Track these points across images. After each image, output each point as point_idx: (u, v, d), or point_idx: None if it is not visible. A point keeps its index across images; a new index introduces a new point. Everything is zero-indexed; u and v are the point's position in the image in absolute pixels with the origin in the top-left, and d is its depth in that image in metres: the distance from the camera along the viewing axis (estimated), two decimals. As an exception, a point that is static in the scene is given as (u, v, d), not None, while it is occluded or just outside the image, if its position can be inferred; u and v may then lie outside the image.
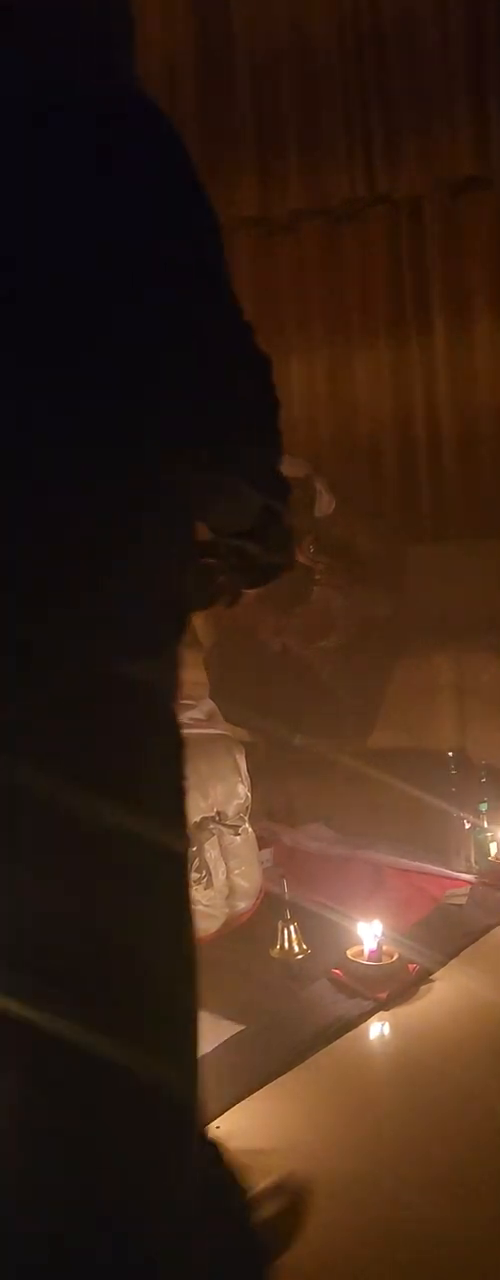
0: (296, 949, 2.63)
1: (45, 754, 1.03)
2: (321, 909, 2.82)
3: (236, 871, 2.78)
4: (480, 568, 3.99)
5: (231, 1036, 2.30)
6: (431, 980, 2.48)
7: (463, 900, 2.82)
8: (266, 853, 3.12)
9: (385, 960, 2.49)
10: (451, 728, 3.75)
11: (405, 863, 3.07)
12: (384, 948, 2.51)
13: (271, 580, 1.32)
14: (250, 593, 1.33)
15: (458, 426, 4.68)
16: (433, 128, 4.47)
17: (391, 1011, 2.38)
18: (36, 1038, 1.04)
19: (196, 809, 2.74)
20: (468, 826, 2.98)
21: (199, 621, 4.49)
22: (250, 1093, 2.12)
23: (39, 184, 1.03)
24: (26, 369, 1.02)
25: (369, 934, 2.51)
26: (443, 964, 2.53)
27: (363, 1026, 2.33)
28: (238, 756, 2.90)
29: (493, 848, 2.95)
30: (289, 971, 2.58)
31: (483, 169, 4.45)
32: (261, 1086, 2.14)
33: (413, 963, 2.49)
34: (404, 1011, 2.38)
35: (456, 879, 2.94)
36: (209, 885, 2.71)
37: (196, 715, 2.91)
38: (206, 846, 2.72)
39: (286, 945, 2.64)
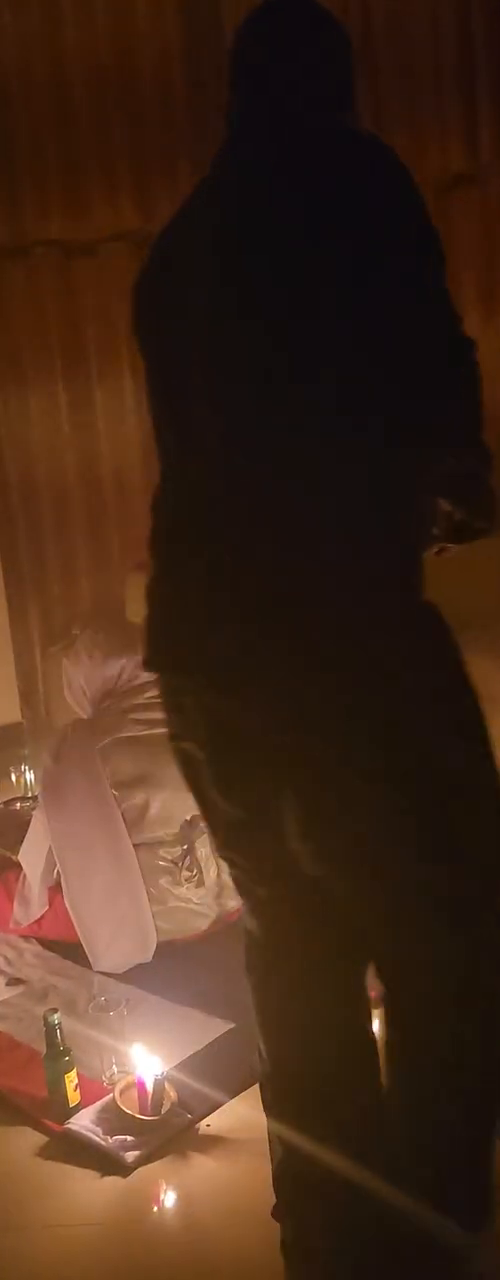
0: (287, 945, 2.63)
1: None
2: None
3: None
4: (474, 565, 3.99)
5: (222, 1034, 2.31)
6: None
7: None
8: (257, 850, 3.13)
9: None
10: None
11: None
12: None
13: (472, 540, 1.52)
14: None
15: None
16: (421, 126, 4.48)
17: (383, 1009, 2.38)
18: None
19: (187, 807, 2.74)
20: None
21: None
22: (241, 1090, 2.12)
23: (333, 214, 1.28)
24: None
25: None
26: None
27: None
28: (228, 754, 2.90)
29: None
30: (280, 968, 2.58)
31: (471, 167, 4.46)
32: (253, 1084, 2.14)
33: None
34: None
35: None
36: (200, 883, 2.72)
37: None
38: (197, 845, 2.72)
39: (277, 942, 2.64)
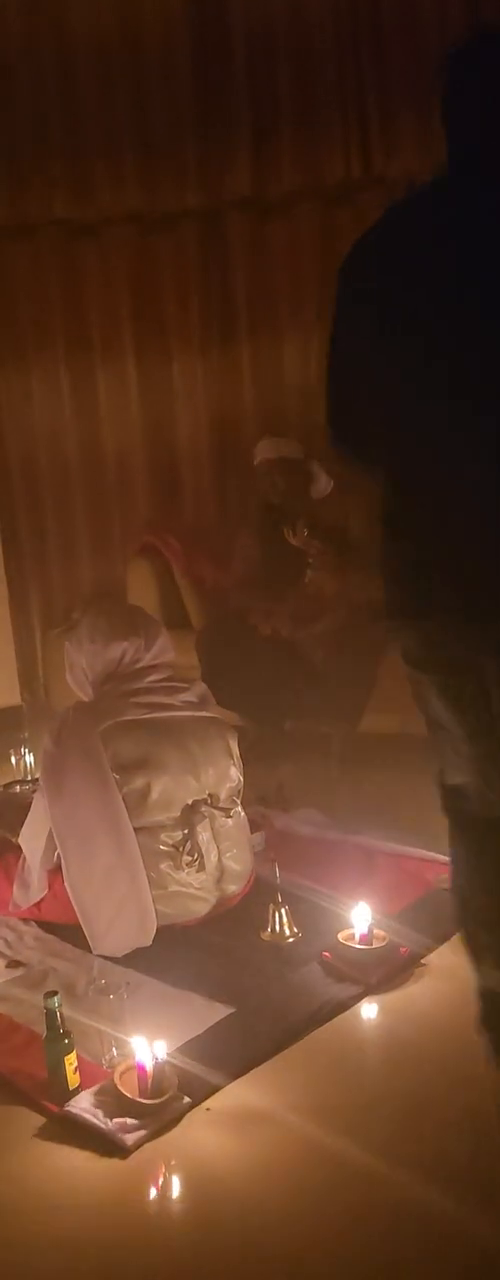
0: (287, 932, 2.64)
1: None
2: (312, 893, 2.82)
3: (228, 854, 2.78)
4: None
5: (222, 1019, 2.31)
6: (422, 964, 2.49)
7: (453, 885, 2.83)
8: (258, 836, 3.13)
9: (376, 944, 2.49)
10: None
11: (396, 847, 3.08)
12: (374, 932, 2.51)
13: None
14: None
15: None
16: (429, 109, 4.45)
17: (382, 995, 2.39)
18: None
19: (188, 791, 2.74)
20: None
21: (191, 606, 4.50)
22: (241, 1074, 2.13)
23: None
24: None
25: (360, 918, 2.52)
26: (433, 948, 2.54)
27: (353, 1010, 2.34)
28: (230, 740, 2.90)
29: (483, 833, 2.95)
30: (280, 955, 2.58)
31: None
32: (252, 1068, 2.15)
33: (403, 947, 2.50)
34: (394, 995, 2.39)
35: (448, 864, 2.94)
36: (201, 868, 2.71)
37: (189, 698, 2.90)
38: (198, 829, 2.72)
39: (277, 929, 2.64)
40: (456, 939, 2.58)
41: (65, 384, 4.96)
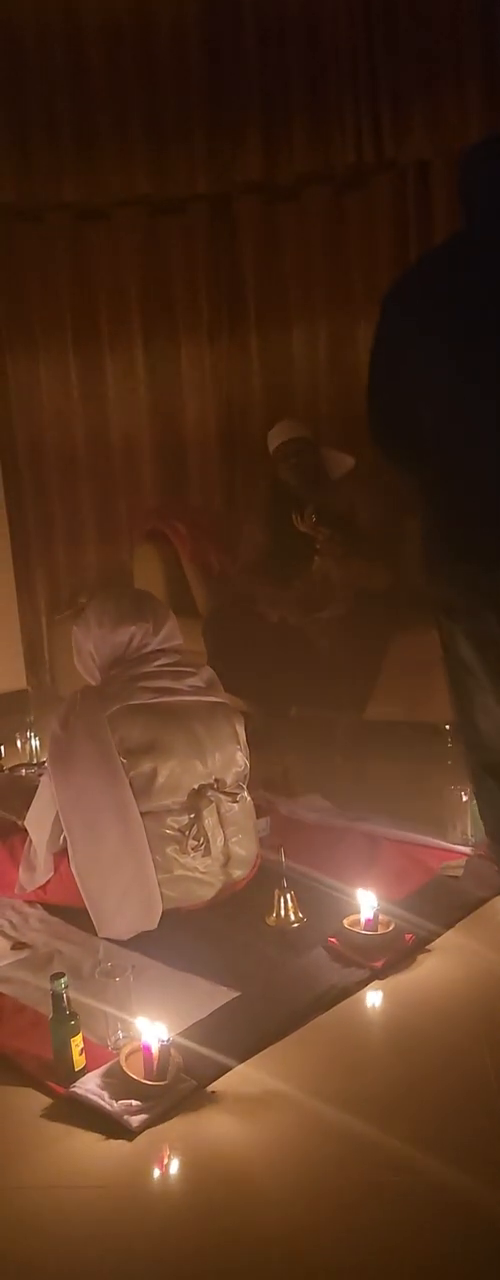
0: (292, 918, 2.64)
1: None
2: (318, 878, 2.83)
3: (234, 839, 2.79)
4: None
5: (227, 1002, 2.32)
6: (427, 950, 2.49)
7: (459, 872, 2.83)
8: (264, 822, 3.13)
9: (381, 930, 2.50)
10: (448, 700, 3.74)
11: (402, 834, 3.08)
12: (380, 917, 2.52)
13: None
14: None
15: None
16: (440, 93, 4.43)
17: (387, 980, 2.39)
18: None
19: (195, 776, 2.74)
20: (465, 799, 2.99)
21: (198, 592, 4.50)
22: (246, 1057, 2.13)
23: None
24: None
25: (365, 904, 2.52)
26: (438, 935, 2.54)
27: (358, 995, 2.35)
28: (237, 725, 2.90)
29: (489, 821, 2.95)
30: (285, 940, 2.59)
31: (490, 136, 4.40)
32: (257, 1052, 2.16)
33: (408, 933, 2.50)
34: (399, 980, 2.39)
35: (453, 851, 2.94)
36: (207, 853, 2.72)
37: (196, 683, 2.90)
38: (205, 814, 2.72)
39: (283, 914, 2.65)
40: (462, 925, 2.59)
41: (73, 368, 4.95)
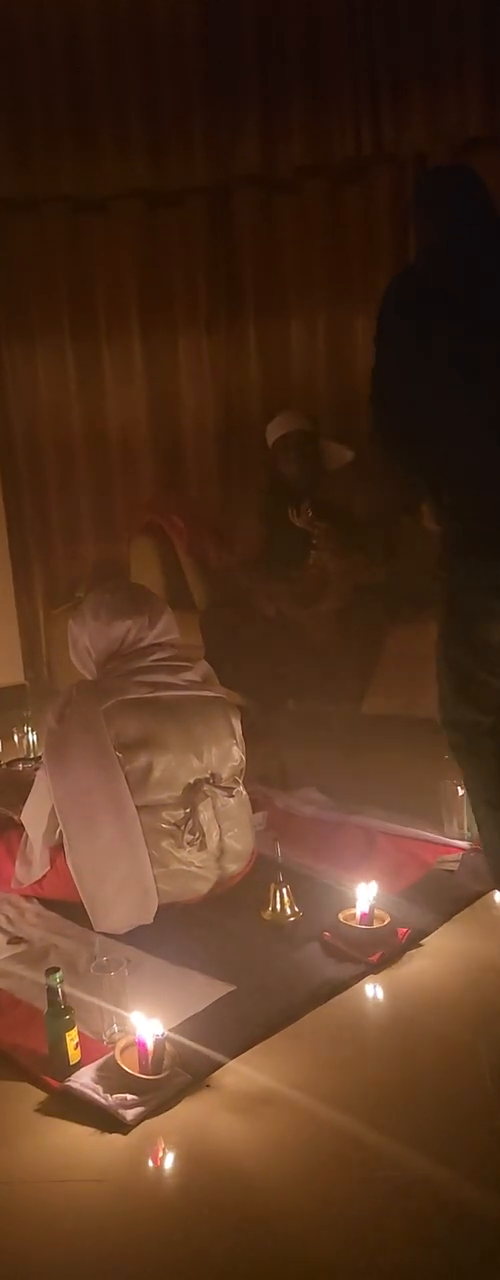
0: (288, 912, 2.64)
1: None
2: (314, 873, 2.83)
3: (230, 834, 2.79)
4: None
5: (223, 996, 2.32)
6: (422, 944, 2.50)
7: (454, 866, 2.84)
8: (260, 816, 3.13)
9: (377, 924, 2.50)
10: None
11: (398, 828, 3.09)
12: (376, 911, 2.52)
13: None
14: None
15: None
16: (440, 86, 4.41)
17: (382, 974, 2.39)
18: None
19: (191, 770, 2.74)
20: (460, 793, 2.99)
21: (195, 586, 4.50)
22: (241, 1052, 2.14)
23: None
24: None
25: (361, 898, 2.53)
26: (434, 929, 2.54)
27: (354, 989, 2.35)
28: (233, 719, 2.90)
29: (485, 816, 2.95)
30: (281, 934, 2.59)
31: (489, 129, 4.40)
32: (252, 1046, 2.16)
33: (404, 927, 2.51)
34: (395, 974, 2.40)
35: (449, 845, 2.95)
36: (202, 847, 2.72)
37: (192, 677, 2.90)
38: (200, 808, 2.72)
39: (278, 908, 2.65)
40: (457, 919, 2.60)
41: (70, 361, 4.94)
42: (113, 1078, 2.04)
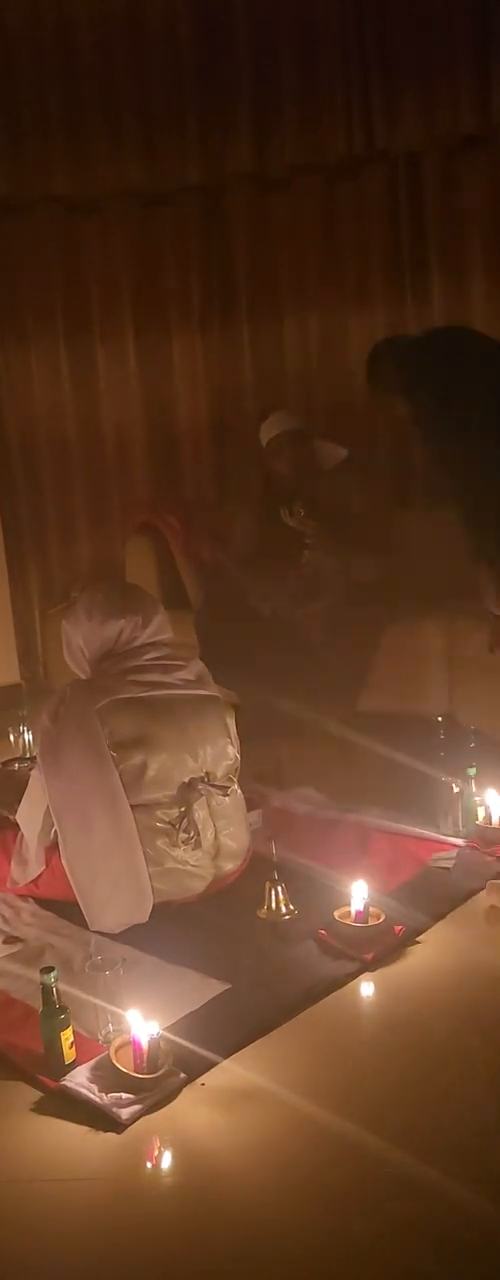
0: (284, 910, 2.64)
1: None
2: (309, 871, 2.83)
3: (225, 832, 2.79)
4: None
5: (218, 995, 2.32)
6: (417, 942, 2.50)
7: (450, 864, 2.84)
8: (255, 814, 3.13)
9: (372, 922, 2.50)
10: (440, 692, 3.76)
11: (393, 826, 3.09)
12: (371, 909, 2.52)
13: None
14: None
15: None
16: (433, 84, 4.42)
17: (377, 972, 2.40)
18: None
19: (185, 769, 2.74)
20: (456, 791, 3.00)
21: (190, 585, 4.49)
22: (236, 1050, 2.14)
23: None
24: None
25: (356, 895, 2.53)
26: (429, 926, 2.55)
27: (349, 987, 2.35)
28: (227, 718, 2.90)
29: (480, 812, 2.96)
30: (276, 932, 2.59)
31: (482, 128, 4.41)
32: (247, 1044, 2.16)
33: (399, 924, 2.51)
34: (390, 972, 2.40)
35: (444, 843, 2.95)
36: (197, 846, 2.72)
37: (186, 676, 2.90)
38: (195, 807, 2.72)
39: (274, 906, 2.65)
40: (452, 917, 2.60)
41: (64, 361, 4.94)
42: (108, 1077, 2.04)
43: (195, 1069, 2.09)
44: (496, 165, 4.47)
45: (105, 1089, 2.02)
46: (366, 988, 2.37)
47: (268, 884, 2.67)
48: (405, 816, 3.11)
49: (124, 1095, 2.00)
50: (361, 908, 2.52)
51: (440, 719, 3.46)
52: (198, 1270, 1.67)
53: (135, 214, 4.89)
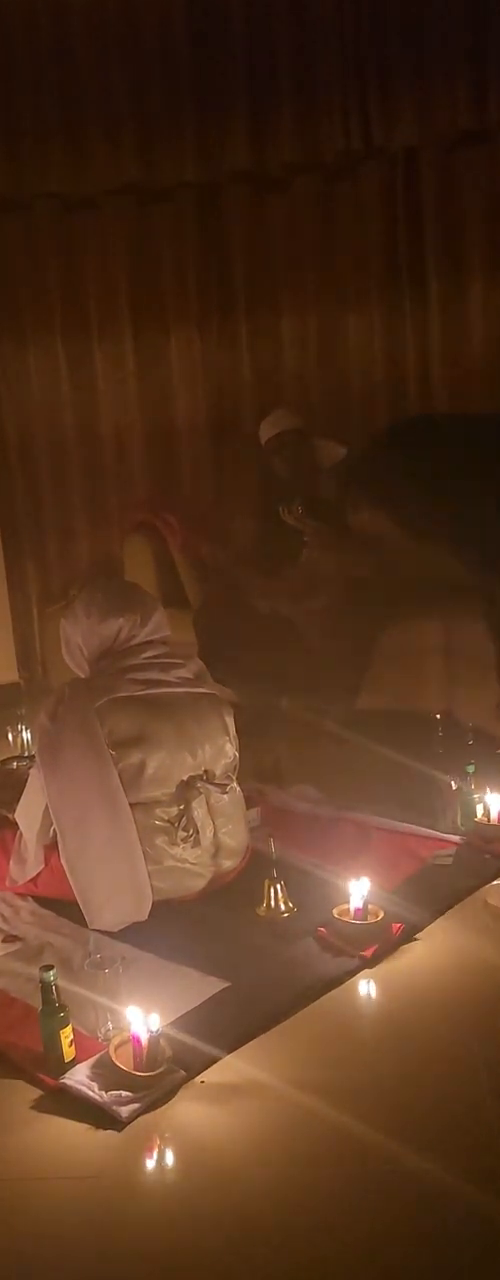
0: (283, 907, 2.64)
1: None
2: (308, 868, 2.83)
3: (224, 830, 2.79)
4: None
5: (217, 993, 2.32)
6: (416, 939, 2.50)
7: (448, 861, 2.84)
8: (254, 812, 3.13)
9: (371, 919, 2.50)
10: (439, 690, 3.76)
11: (392, 823, 3.09)
12: (370, 907, 2.52)
13: None
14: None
15: (450, 384, 4.66)
16: (430, 82, 4.42)
17: (377, 969, 2.40)
18: None
19: (184, 767, 2.74)
20: (454, 788, 3.00)
21: (189, 583, 4.49)
22: (236, 1048, 2.14)
23: None
24: None
25: (355, 893, 2.53)
26: (428, 923, 2.55)
27: (348, 984, 2.35)
28: (226, 716, 2.90)
29: (479, 809, 2.96)
30: (275, 930, 2.59)
31: (479, 123, 4.41)
32: (247, 1042, 2.16)
33: (398, 922, 2.51)
34: (388, 969, 2.40)
35: (443, 840, 2.96)
36: (196, 844, 2.72)
37: (185, 674, 2.90)
38: (194, 805, 2.72)
39: (273, 904, 2.65)
40: (451, 914, 2.60)
41: (62, 359, 4.93)
42: (107, 1075, 2.04)
43: (194, 1066, 2.09)
44: (494, 162, 4.48)
45: (105, 1087, 2.02)
46: (366, 985, 2.37)
47: (267, 882, 2.67)
48: (404, 814, 3.11)
49: (124, 1093, 2.00)
50: (361, 905, 2.52)
51: (439, 717, 3.47)
52: (198, 1267, 1.67)
53: (133, 212, 4.88)
